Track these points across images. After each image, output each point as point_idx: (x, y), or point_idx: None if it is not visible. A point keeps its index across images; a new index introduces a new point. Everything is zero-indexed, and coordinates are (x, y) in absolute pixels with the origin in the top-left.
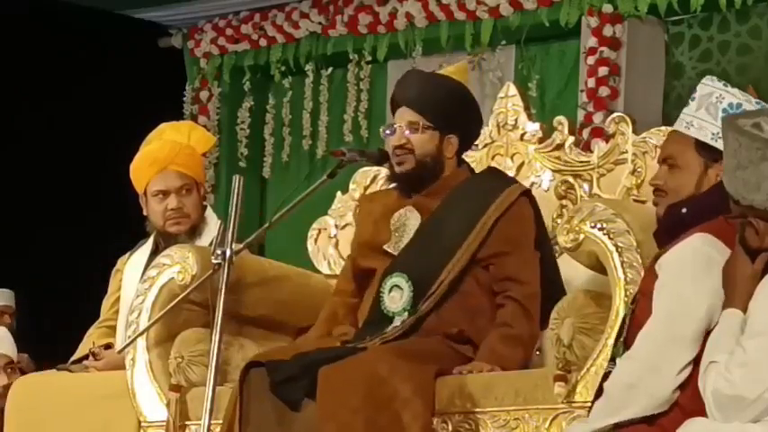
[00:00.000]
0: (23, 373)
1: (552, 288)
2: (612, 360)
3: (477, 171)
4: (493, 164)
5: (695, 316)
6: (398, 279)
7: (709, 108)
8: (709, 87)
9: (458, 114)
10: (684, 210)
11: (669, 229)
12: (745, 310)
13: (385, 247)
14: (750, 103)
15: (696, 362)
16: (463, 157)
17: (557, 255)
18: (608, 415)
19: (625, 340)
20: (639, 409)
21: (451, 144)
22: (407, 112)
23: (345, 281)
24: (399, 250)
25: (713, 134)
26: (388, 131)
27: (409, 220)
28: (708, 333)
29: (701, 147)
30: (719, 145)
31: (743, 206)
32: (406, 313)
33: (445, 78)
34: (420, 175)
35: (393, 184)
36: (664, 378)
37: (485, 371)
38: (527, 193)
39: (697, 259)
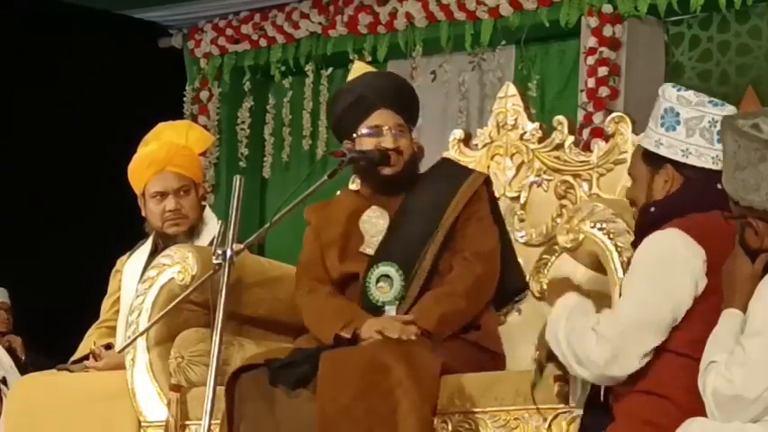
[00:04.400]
0: (16, 360)
1: (508, 270)
2: None
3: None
4: (493, 164)
5: (662, 304)
6: (386, 268)
7: (655, 117)
8: (659, 97)
9: (417, 115)
10: (653, 209)
11: (642, 230)
12: (744, 310)
13: (360, 249)
14: (685, 105)
15: (688, 356)
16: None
17: (557, 253)
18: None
19: None
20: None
21: (415, 143)
22: (390, 115)
23: (316, 277)
24: (377, 247)
25: (656, 141)
26: (369, 133)
27: (379, 220)
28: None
29: (647, 156)
30: (661, 150)
31: (742, 207)
32: (398, 302)
33: (401, 77)
34: (406, 177)
35: (352, 187)
36: (629, 359)
37: (390, 332)
38: (487, 179)
39: (666, 250)
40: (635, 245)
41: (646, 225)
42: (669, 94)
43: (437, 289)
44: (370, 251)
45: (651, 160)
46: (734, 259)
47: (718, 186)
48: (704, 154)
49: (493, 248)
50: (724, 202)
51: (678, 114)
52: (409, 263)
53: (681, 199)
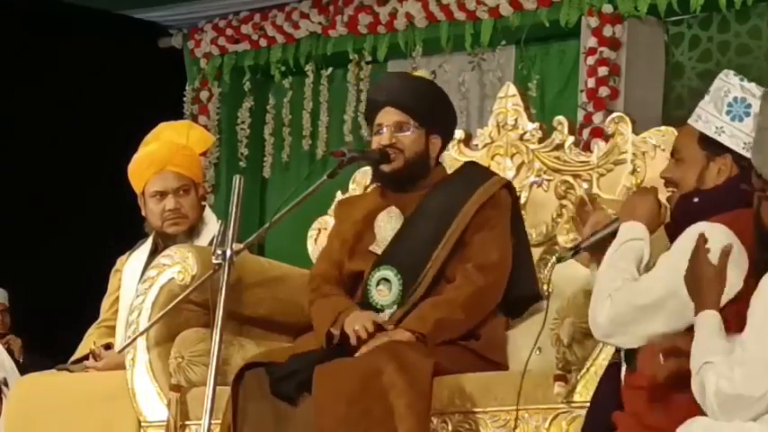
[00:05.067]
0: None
1: (523, 278)
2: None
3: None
4: (493, 164)
5: (678, 295)
6: (386, 272)
7: (716, 102)
8: (722, 82)
9: (440, 115)
10: (696, 199)
11: (680, 219)
12: (717, 307)
13: (370, 248)
14: (755, 97)
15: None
16: (440, 158)
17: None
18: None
19: None
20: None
21: (435, 144)
22: (394, 113)
23: (325, 278)
24: (384, 247)
25: (717, 128)
26: (376, 132)
27: (393, 221)
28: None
29: (705, 140)
30: (723, 139)
31: (764, 180)
32: (396, 306)
33: (423, 79)
34: (408, 175)
35: (376, 184)
36: (628, 337)
37: (375, 341)
38: (508, 185)
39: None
40: (668, 230)
41: (685, 215)
42: (734, 81)
43: (436, 296)
44: (379, 251)
45: (708, 145)
46: (693, 265)
47: None
48: None
49: (498, 260)
50: None
51: (750, 106)
52: (412, 267)
53: (727, 193)
